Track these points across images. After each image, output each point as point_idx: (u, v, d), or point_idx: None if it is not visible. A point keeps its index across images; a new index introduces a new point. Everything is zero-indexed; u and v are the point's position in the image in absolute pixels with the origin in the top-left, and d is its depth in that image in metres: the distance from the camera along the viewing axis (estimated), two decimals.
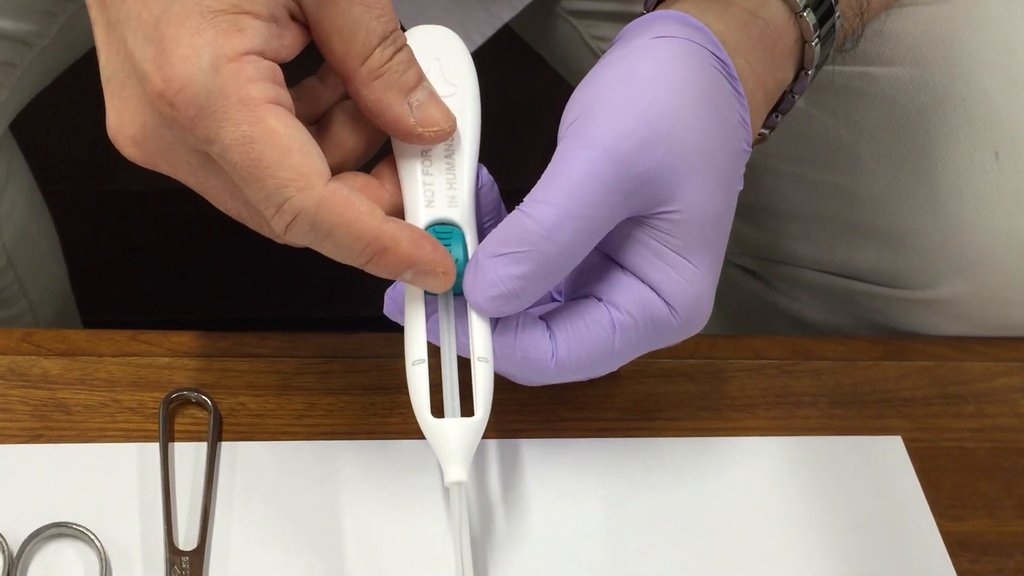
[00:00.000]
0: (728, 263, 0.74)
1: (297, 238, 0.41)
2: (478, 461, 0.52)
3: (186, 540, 0.46)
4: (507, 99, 0.83)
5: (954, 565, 0.51)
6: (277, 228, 0.40)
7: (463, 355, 0.45)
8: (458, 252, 0.45)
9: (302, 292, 1.12)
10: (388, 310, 0.47)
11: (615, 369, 0.50)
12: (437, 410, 0.44)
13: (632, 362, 0.55)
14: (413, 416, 0.44)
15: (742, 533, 0.51)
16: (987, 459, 0.56)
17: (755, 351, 0.59)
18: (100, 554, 0.45)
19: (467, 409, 0.44)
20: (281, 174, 0.39)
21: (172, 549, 0.45)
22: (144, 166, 0.43)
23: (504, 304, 0.44)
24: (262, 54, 0.40)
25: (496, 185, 0.48)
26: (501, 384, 0.47)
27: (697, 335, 0.58)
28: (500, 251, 0.43)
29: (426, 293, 0.45)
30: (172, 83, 0.39)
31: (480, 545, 0.49)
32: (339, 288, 0.90)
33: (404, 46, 0.43)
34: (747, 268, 0.73)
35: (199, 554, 0.46)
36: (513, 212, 0.44)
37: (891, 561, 0.51)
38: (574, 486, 0.52)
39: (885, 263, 0.63)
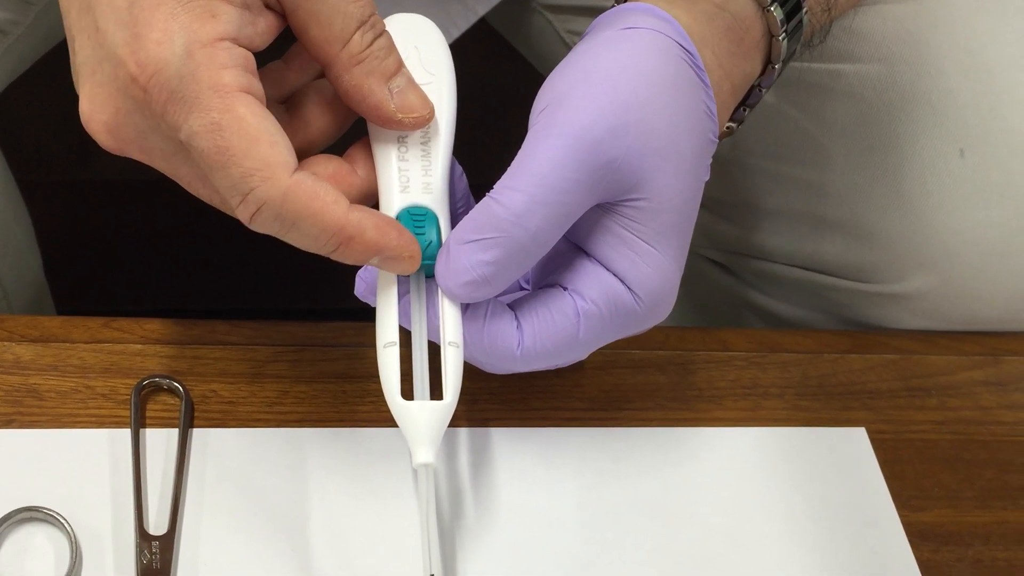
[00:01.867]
0: (698, 256, 0.75)
1: (263, 227, 0.41)
2: (448, 448, 0.52)
3: (156, 525, 0.47)
4: (483, 93, 0.83)
5: (915, 555, 0.52)
6: (242, 217, 0.41)
7: (434, 340, 0.46)
8: (432, 236, 0.45)
9: (277, 284, 1.12)
10: (359, 292, 0.48)
11: (583, 357, 0.51)
12: (407, 394, 0.44)
13: (601, 353, 0.56)
14: (384, 404, 0.44)
15: (709, 522, 0.52)
16: (949, 451, 0.57)
17: (723, 343, 0.59)
18: (71, 538, 0.45)
19: (437, 393, 0.45)
20: (247, 163, 0.39)
21: (142, 534, 0.46)
22: (116, 153, 0.43)
23: (475, 290, 0.45)
24: (236, 41, 0.40)
25: (465, 175, 0.49)
26: (472, 372, 0.47)
27: (666, 327, 0.59)
28: (471, 237, 0.44)
29: (398, 276, 0.46)
30: (146, 67, 0.39)
31: (449, 532, 0.50)
32: (315, 280, 0.90)
33: (384, 32, 0.44)
34: (717, 261, 0.74)
35: (169, 539, 0.46)
36: (484, 199, 0.44)
37: (853, 550, 0.52)
38: (543, 474, 0.52)
39: (852, 257, 0.64)
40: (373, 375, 0.45)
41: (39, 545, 0.46)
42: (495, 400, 0.54)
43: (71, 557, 0.45)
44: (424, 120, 0.45)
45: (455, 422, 0.53)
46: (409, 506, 0.50)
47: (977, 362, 0.61)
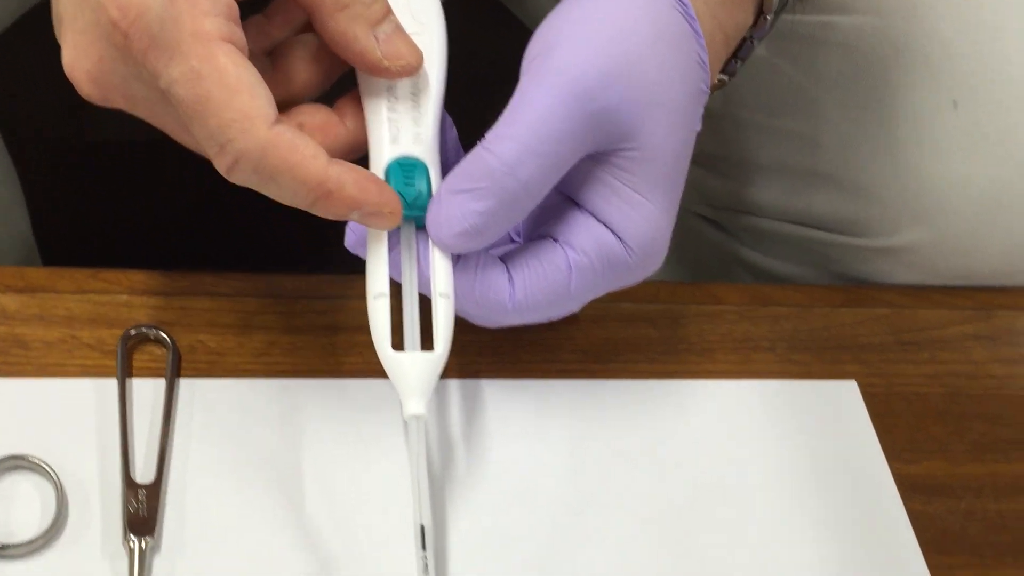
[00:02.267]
0: (689, 213, 0.75)
1: (240, 179, 0.40)
2: (438, 400, 0.52)
3: (143, 474, 0.46)
4: (477, 55, 0.82)
5: (906, 506, 0.52)
6: (220, 168, 0.40)
7: (424, 293, 0.46)
8: (422, 187, 0.45)
9: (266, 242, 1.11)
10: (349, 243, 0.47)
11: (575, 310, 0.50)
12: (398, 346, 0.44)
13: (593, 306, 0.55)
14: (373, 356, 0.44)
15: (698, 473, 0.52)
16: (940, 404, 0.57)
17: (714, 297, 0.59)
18: (57, 486, 0.45)
19: (428, 344, 0.44)
20: (226, 114, 0.39)
21: (129, 482, 0.45)
22: (101, 103, 0.43)
23: (467, 240, 0.44)
24: None
25: (454, 127, 0.48)
26: (463, 326, 0.47)
27: (657, 281, 0.59)
28: (462, 187, 0.43)
29: None
30: (127, 12, 0.39)
31: (439, 482, 0.49)
32: (306, 237, 0.90)
33: None
34: (709, 218, 0.74)
35: (155, 487, 0.46)
36: (475, 148, 0.44)
37: (843, 502, 0.52)
38: (534, 426, 0.52)
39: (844, 211, 0.64)
40: (362, 327, 0.45)
41: (25, 493, 0.45)
42: (486, 353, 0.54)
43: (57, 505, 0.45)
44: (412, 68, 0.44)
45: (446, 374, 0.52)
46: (399, 457, 0.49)
47: (969, 316, 0.61)
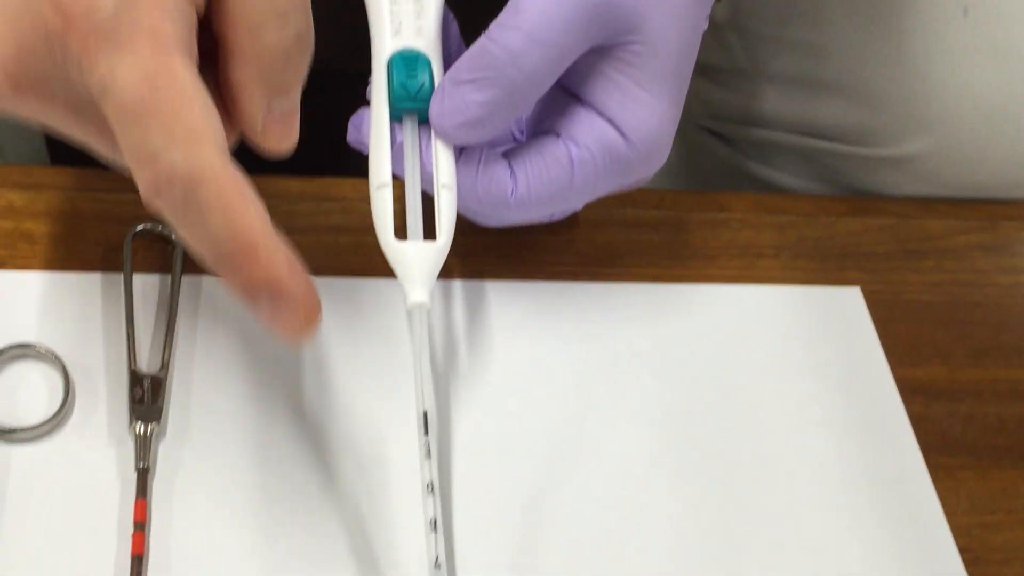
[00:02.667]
0: (695, 127, 0.75)
1: (163, 202, 0.33)
2: (442, 299, 0.52)
3: (149, 365, 0.47)
4: None
5: (907, 409, 0.52)
6: (143, 183, 0.33)
7: (427, 189, 0.46)
8: (424, 80, 0.45)
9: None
10: (351, 139, 0.47)
11: (577, 207, 0.51)
12: (401, 236, 0.44)
13: (594, 212, 0.56)
14: (377, 256, 0.44)
15: (700, 375, 0.52)
16: (944, 311, 0.57)
17: (719, 205, 0.59)
18: (64, 374, 0.46)
19: (431, 235, 0.45)
20: (172, 125, 0.33)
21: (134, 372, 0.46)
22: (9, 101, 0.36)
23: (470, 131, 0.44)
24: None
25: (456, 21, 0.48)
26: (467, 228, 0.47)
27: (661, 189, 0.59)
28: (466, 77, 0.43)
29: (391, 119, 0.45)
30: (77, 1, 0.33)
31: (442, 380, 0.50)
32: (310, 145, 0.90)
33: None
34: (714, 131, 0.74)
35: (161, 377, 0.46)
36: (479, 39, 0.44)
37: (845, 404, 0.52)
38: (536, 326, 0.52)
39: (851, 120, 0.64)
40: (367, 228, 0.45)
41: (32, 381, 0.46)
42: (490, 254, 0.54)
43: (64, 392, 0.45)
44: (280, 155, 0.40)
45: (449, 274, 0.53)
46: (402, 352, 0.50)
47: (974, 227, 0.61)
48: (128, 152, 0.33)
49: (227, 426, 0.46)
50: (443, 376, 0.50)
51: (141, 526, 0.42)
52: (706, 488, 0.48)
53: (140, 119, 0.33)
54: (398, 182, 0.45)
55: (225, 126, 0.35)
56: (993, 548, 0.48)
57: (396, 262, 0.44)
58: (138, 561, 0.41)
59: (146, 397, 0.45)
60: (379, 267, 0.47)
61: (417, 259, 0.44)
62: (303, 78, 0.38)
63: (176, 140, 0.33)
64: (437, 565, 0.40)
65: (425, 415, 0.43)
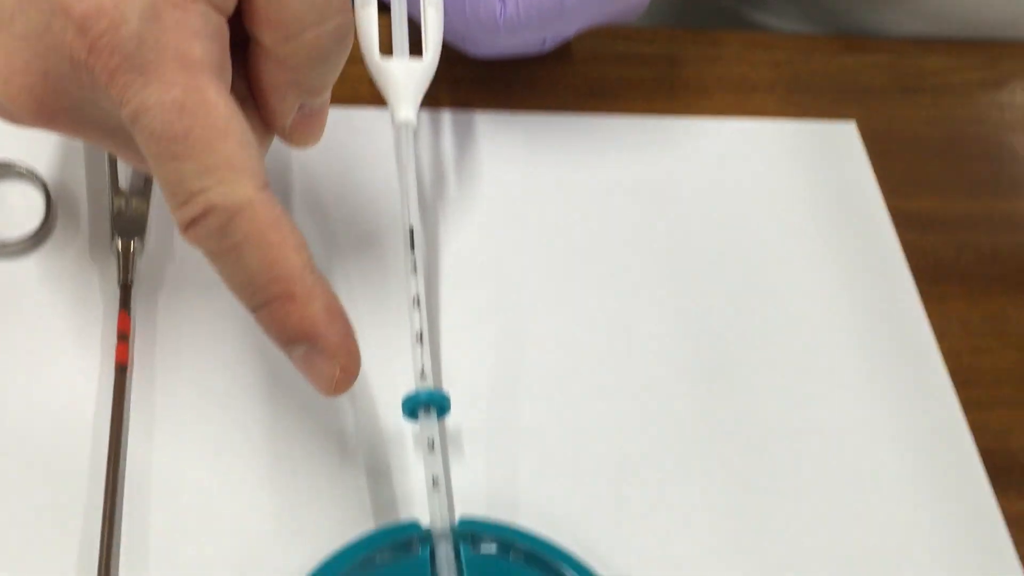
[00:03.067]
0: None
1: (199, 236, 0.31)
2: (430, 129, 0.51)
3: (132, 185, 0.46)
4: None
5: (900, 237, 0.52)
6: (180, 219, 0.31)
7: (413, 13, 0.45)
8: None
9: None
10: None
11: (569, 34, 0.49)
12: (387, 55, 0.43)
13: (586, 46, 0.55)
14: (363, 85, 0.43)
15: (693, 206, 0.51)
16: (939, 146, 0.56)
17: (713, 41, 0.58)
18: (45, 192, 0.45)
19: (417, 53, 0.44)
20: (208, 158, 0.30)
21: (116, 189, 0.45)
22: (40, 126, 0.33)
23: None
24: (211, 2, 0.31)
25: None
26: (456, 58, 0.46)
27: (654, 26, 0.57)
28: None
29: None
30: (97, 21, 0.30)
31: (432, 206, 0.49)
32: None
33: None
34: None
35: (144, 195, 0.45)
36: None
37: (839, 234, 0.51)
38: (526, 156, 0.52)
39: None
40: (354, 57, 0.44)
41: (13, 199, 0.45)
42: (479, 87, 0.53)
43: (45, 209, 0.45)
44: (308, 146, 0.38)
45: (437, 103, 0.52)
46: (388, 177, 0.49)
47: (972, 64, 0.60)
48: (162, 183, 0.31)
49: None
50: (432, 203, 0.49)
51: (125, 337, 0.42)
52: (697, 312, 0.48)
53: (173, 153, 0.30)
54: (383, 2, 0.44)
55: (257, 128, 0.33)
56: (983, 371, 0.48)
57: (382, 80, 0.43)
58: (122, 370, 0.41)
59: (128, 212, 0.45)
60: (363, 94, 0.46)
61: (403, 77, 0.43)
62: (338, 73, 0.35)
63: (211, 173, 0.30)
64: (423, 376, 0.40)
65: (411, 230, 0.42)
